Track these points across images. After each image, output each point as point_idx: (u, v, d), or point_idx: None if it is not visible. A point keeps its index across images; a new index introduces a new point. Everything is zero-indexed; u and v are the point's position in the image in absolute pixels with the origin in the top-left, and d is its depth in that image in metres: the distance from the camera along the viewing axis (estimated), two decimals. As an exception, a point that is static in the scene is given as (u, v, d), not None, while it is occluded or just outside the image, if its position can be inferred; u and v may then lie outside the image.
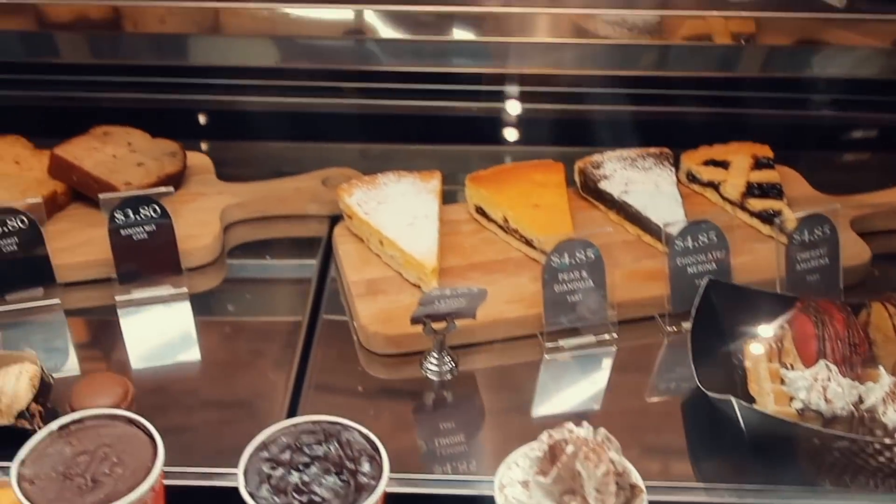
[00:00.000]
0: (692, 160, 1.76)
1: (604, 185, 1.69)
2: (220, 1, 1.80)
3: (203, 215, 1.70)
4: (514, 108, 1.96)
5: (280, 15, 1.76)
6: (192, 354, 1.53)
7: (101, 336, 1.58)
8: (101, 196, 1.57)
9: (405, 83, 1.94)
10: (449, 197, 1.74)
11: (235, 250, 1.71)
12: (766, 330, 1.42)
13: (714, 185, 1.73)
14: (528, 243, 1.60)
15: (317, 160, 1.88)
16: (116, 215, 1.56)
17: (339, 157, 1.89)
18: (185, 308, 1.60)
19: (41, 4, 1.82)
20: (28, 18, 1.83)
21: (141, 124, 1.83)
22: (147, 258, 1.59)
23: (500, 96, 1.93)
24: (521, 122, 1.96)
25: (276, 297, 1.66)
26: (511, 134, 1.95)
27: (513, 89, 1.92)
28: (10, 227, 1.55)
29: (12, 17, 1.83)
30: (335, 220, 1.72)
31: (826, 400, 1.30)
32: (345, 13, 1.79)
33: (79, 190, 1.72)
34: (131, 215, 1.57)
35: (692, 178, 1.76)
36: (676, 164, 1.75)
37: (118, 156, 1.74)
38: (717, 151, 1.76)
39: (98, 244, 1.61)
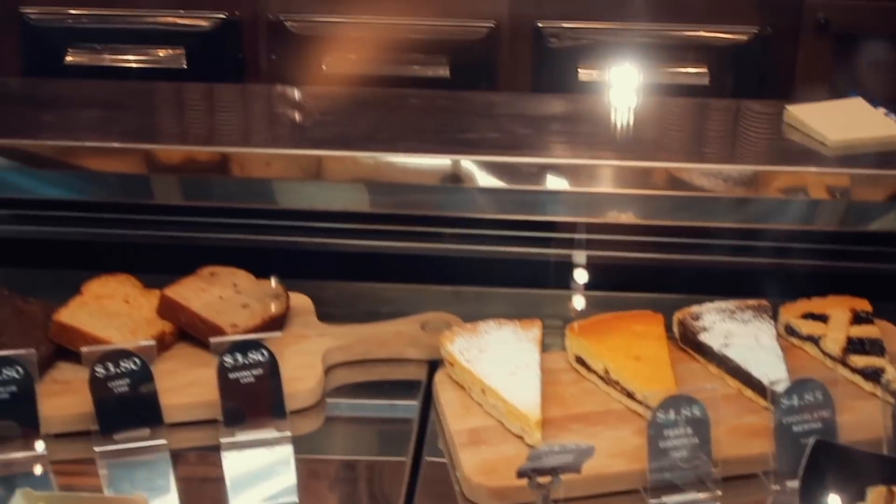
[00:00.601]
0: (791, 313, 1.76)
1: (703, 338, 1.70)
2: (323, 149, 1.87)
3: (306, 358, 1.73)
4: (608, 255, 1.99)
5: (383, 163, 1.82)
6: (295, 498, 1.55)
7: (206, 478, 1.60)
8: (212, 340, 1.61)
9: (500, 230, 1.98)
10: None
11: (335, 391, 1.74)
12: (877, 494, 1.41)
13: (814, 340, 1.73)
14: (630, 396, 1.61)
15: (411, 301, 1.92)
16: (226, 359, 1.60)
17: (434, 299, 1.93)
18: (287, 451, 1.62)
19: (150, 149, 1.90)
20: (138, 161, 1.91)
21: (242, 263, 1.89)
22: (253, 401, 1.62)
23: (595, 244, 1.96)
24: (615, 269, 1.98)
25: (377, 439, 1.69)
26: (605, 280, 1.98)
27: (608, 237, 1.95)
28: (122, 369, 1.60)
29: (123, 159, 1.91)
30: (433, 364, 1.75)
31: (944, 571, 1.28)
32: (442, 161, 1.85)
33: (186, 330, 1.77)
34: (240, 359, 1.60)
35: (791, 331, 1.76)
36: (775, 317, 1.76)
37: (224, 297, 1.79)
38: (816, 305, 1.77)
39: (204, 385, 1.65)
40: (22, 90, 2.24)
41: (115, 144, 1.87)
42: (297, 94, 2.22)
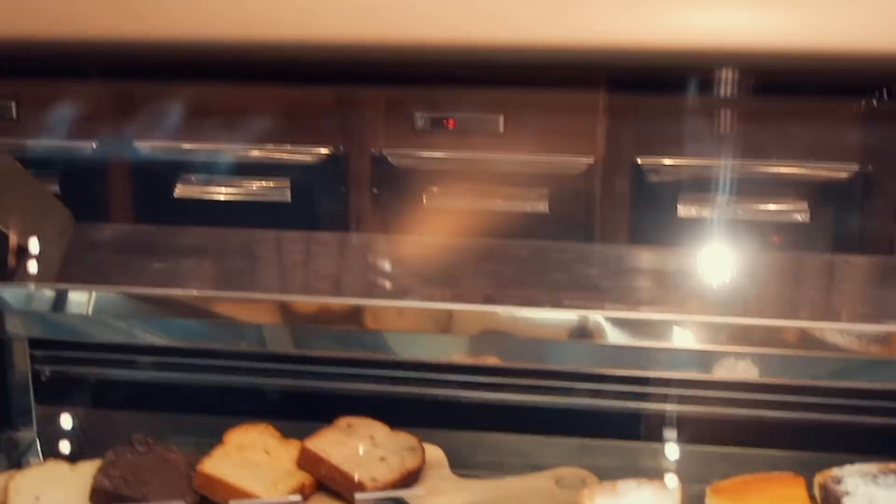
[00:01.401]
0: (934, 478, 1.75)
1: (847, 503, 1.69)
2: (455, 302, 1.91)
3: (444, 514, 1.76)
4: (742, 412, 1.99)
5: (518, 318, 1.86)
6: None
7: None
8: (357, 496, 1.65)
9: (631, 385, 2.00)
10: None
11: (470, 547, 1.76)
12: None
13: (959, 505, 1.71)
14: (776, 563, 1.60)
15: (539, 453, 1.95)
16: (370, 516, 1.63)
17: (561, 451, 1.95)
18: None
19: (287, 302, 1.96)
20: (274, 312, 1.97)
21: (374, 412, 1.93)
22: (394, 558, 1.65)
23: (729, 401, 1.97)
24: (749, 426, 1.99)
25: None
26: (739, 437, 1.98)
27: (742, 395, 1.96)
28: (269, 524, 1.64)
29: (260, 310, 1.97)
30: (569, 521, 1.76)
31: None
32: (571, 316, 1.88)
33: (324, 482, 1.80)
34: (383, 516, 1.64)
35: (934, 496, 1.74)
36: (917, 481, 1.75)
37: (362, 449, 1.82)
38: (959, 469, 1.75)
39: (344, 539, 1.68)
40: (154, 239, 2.32)
41: (255, 295, 1.94)
42: (418, 243, 2.28)
